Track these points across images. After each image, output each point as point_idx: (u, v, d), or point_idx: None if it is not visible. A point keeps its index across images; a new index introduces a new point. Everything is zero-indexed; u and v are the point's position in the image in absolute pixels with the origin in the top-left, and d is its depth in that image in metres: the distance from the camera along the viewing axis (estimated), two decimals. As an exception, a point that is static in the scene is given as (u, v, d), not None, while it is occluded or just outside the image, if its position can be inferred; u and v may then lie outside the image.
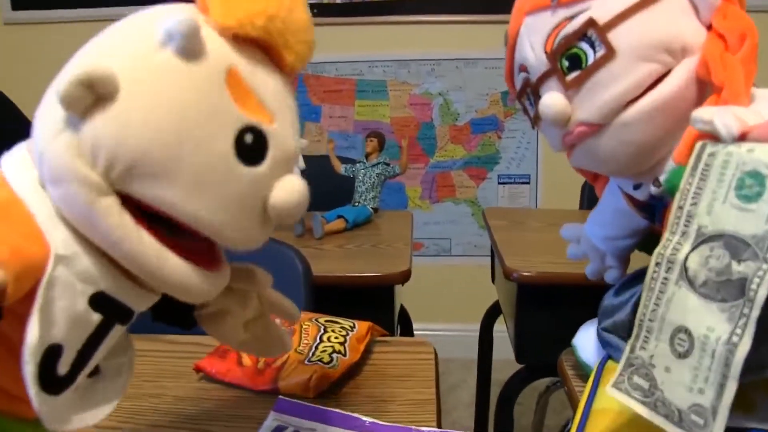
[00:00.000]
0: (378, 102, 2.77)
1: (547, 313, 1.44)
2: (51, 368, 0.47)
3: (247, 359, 0.87)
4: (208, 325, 0.64)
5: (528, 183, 2.80)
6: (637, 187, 0.71)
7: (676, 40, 0.61)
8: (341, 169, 1.82)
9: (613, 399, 0.55)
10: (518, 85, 0.72)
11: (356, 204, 1.75)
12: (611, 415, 0.69)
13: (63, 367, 0.48)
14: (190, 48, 0.46)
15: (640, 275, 0.76)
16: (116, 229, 0.46)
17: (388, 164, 1.79)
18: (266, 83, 0.50)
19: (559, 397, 2.00)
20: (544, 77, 0.66)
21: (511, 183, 2.80)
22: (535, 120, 0.71)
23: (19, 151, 0.51)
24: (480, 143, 2.77)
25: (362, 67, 2.75)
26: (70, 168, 0.45)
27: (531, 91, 0.69)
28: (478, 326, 2.09)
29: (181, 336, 1.00)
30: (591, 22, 0.62)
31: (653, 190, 0.64)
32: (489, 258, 2.05)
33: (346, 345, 0.89)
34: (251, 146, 0.48)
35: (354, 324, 0.94)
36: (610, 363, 0.77)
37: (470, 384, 2.47)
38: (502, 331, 1.89)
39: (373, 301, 1.43)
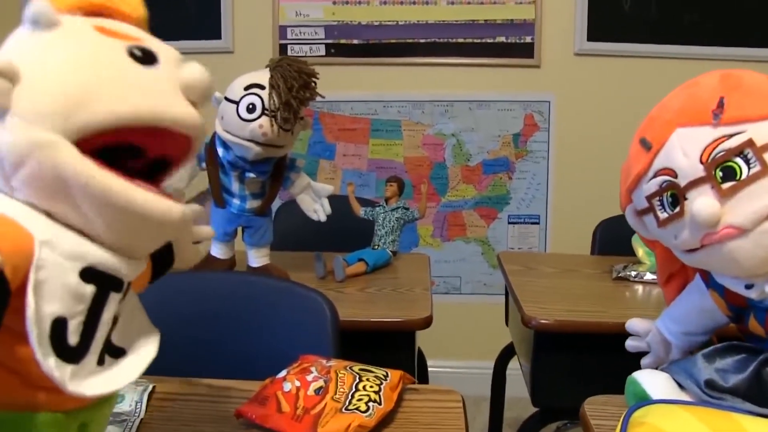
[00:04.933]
0: (392, 141, 2.83)
1: (563, 358, 1.48)
2: (62, 339, 0.55)
3: (286, 405, 0.92)
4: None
5: (537, 223, 2.85)
6: (749, 287, 0.80)
7: None
8: (360, 212, 1.86)
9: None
10: (654, 186, 0.81)
11: (376, 247, 1.79)
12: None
13: (73, 338, 0.56)
14: (51, 20, 0.58)
15: (728, 349, 0.87)
16: (83, 172, 0.55)
17: (407, 209, 1.83)
18: (125, 27, 0.64)
19: (569, 439, 2.03)
20: (696, 183, 0.77)
21: (521, 223, 2.85)
22: (667, 220, 0.81)
23: None
24: (491, 184, 2.83)
25: (377, 107, 2.81)
26: (27, 138, 0.54)
27: (671, 194, 0.79)
28: (487, 363, 2.12)
29: (219, 380, 1.05)
30: (750, 143, 0.74)
31: None
32: (498, 296, 2.10)
33: (381, 394, 0.93)
34: (143, 56, 0.61)
35: (387, 373, 0.99)
36: (636, 415, 0.81)
37: (480, 421, 2.50)
38: (512, 369, 1.93)
39: (395, 345, 1.47)
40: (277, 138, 1.41)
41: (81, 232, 0.57)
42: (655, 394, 0.88)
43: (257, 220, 1.56)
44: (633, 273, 1.67)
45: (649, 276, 1.64)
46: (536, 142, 2.79)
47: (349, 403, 0.90)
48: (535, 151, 2.80)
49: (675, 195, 0.79)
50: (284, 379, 0.96)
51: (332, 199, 1.68)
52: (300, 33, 2.76)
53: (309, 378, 0.96)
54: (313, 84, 1.43)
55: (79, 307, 0.56)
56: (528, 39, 2.72)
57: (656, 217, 0.82)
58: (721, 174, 0.75)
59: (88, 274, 0.57)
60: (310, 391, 0.93)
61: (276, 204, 1.93)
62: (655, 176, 0.81)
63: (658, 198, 0.82)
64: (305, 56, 2.75)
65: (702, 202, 0.74)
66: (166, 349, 0.91)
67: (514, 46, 2.73)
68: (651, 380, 0.90)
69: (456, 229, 2.87)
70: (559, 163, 2.80)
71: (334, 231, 1.92)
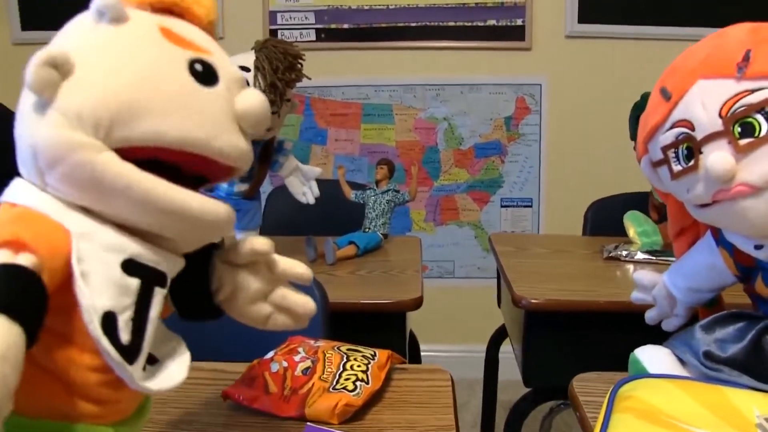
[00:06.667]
0: (384, 126, 2.82)
1: (554, 338, 1.48)
2: (115, 336, 0.52)
3: (273, 386, 0.91)
4: (231, 309, 0.70)
5: (530, 206, 2.84)
6: (758, 247, 0.79)
7: None
8: (351, 195, 1.86)
9: (628, 425, 0.59)
10: (671, 138, 0.79)
11: (367, 230, 1.79)
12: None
13: (124, 335, 0.53)
14: (118, 15, 0.56)
15: (728, 317, 0.85)
16: (123, 175, 0.52)
17: (398, 191, 1.83)
18: (193, 32, 0.61)
19: (563, 419, 2.04)
20: (713, 137, 0.74)
21: (513, 206, 2.85)
22: (681, 173, 0.79)
23: (15, 182, 0.57)
24: (483, 167, 2.82)
25: (368, 92, 2.80)
26: (64, 139, 0.51)
27: (687, 146, 0.77)
28: (481, 347, 2.12)
29: (207, 363, 1.04)
30: None
31: None
32: (491, 280, 2.10)
33: (369, 373, 0.92)
34: (203, 72, 0.58)
35: (375, 352, 0.98)
36: (623, 390, 0.80)
37: (474, 405, 2.50)
38: (505, 352, 1.93)
39: (386, 327, 1.46)
40: (263, 121, 1.40)
41: (117, 225, 0.55)
42: (654, 371, 0.87)
43: (245, 204, 1.55)
44: (624, 253, 1.66)
45: (639, 255, 1.63)
46: (528, 125, 2.79)
47: (337, 382, 0.90)
48: (527, 134, 2.79)
49: (690, 148, 0.77)
50: (272, 359, 0.96)
51: (324, 183, 1.67)
52: (290, 18, 2.75)
53: (296, 358, 0.95)
54: (299, 65, 1.42)
55: (126, 300, 0.53)
56: (519, 22, 2.70)
57: (670, 169, 0.80)
58: (739, 129, 0.73)
59: (130, 266, 0.54)
60: (298, 372, 0.93)
61: (268, 190, 1.93)
62: (672, 127, 0.79)
63: (673, 150, 0.79)
64: (296, 41, 2.74)
65: (717, 157, 0.72)
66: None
67: (504, 29, 2.72)
68: (651, 357, 0.89)
69: (449, 213, 2.87)
70: (552, 146, 2.80)
71: (326, 215, 1.91)
